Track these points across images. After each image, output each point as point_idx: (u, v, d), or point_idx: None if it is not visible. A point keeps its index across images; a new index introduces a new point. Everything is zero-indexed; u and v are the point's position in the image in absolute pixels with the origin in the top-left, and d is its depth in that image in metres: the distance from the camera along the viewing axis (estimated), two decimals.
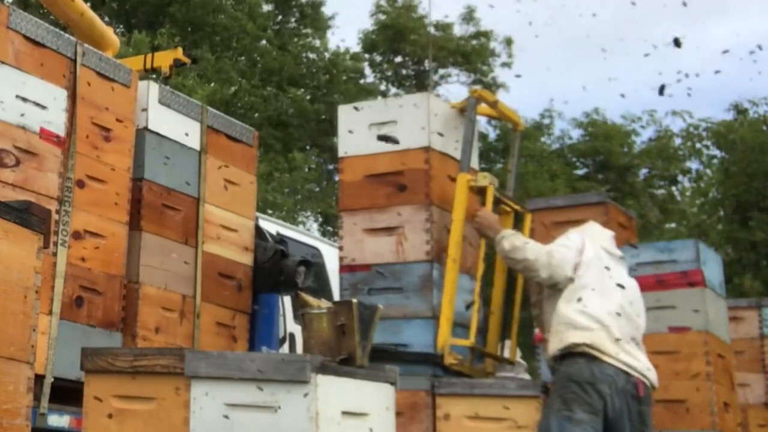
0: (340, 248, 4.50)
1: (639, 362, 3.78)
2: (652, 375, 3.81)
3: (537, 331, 4.17)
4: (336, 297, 6.26)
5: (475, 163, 4.52)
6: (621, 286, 3.94)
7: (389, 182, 4.45)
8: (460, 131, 4.54)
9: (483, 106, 4.68)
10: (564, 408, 3.63)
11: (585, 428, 3.59)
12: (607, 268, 3.97)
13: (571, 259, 3.94)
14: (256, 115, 18.14)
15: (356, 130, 4.57)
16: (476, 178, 4.38)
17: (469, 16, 24.79)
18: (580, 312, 3.79)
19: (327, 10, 21.91)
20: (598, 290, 3.86)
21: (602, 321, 3.77)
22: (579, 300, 3.82)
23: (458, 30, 24.84)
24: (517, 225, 4.61)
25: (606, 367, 3.69)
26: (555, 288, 3.96)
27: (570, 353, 3.74)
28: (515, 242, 4.12)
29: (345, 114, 4.66)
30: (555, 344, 3.79)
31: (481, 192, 4.38)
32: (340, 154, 4.61)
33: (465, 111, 4.53)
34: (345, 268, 4.48)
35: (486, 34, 24.81)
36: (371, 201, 4.46)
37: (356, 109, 4.64)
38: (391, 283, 4.35)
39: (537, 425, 3.77)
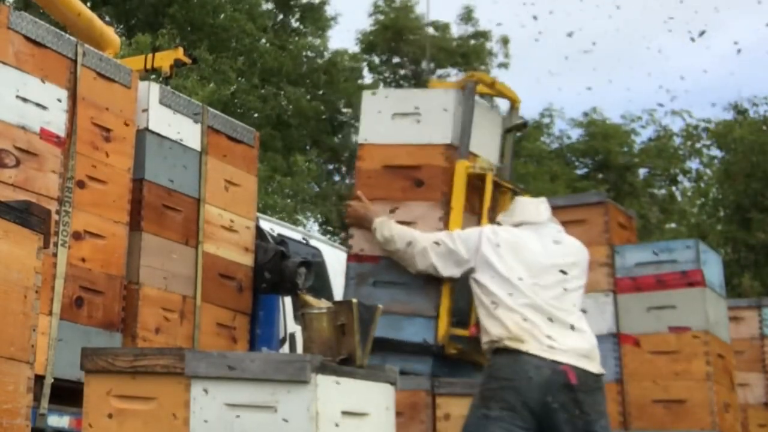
0: (351, 236, 4.44)
1: (565, 347, 3.62)
2: (585, 360, 3.64)
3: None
4: (336, 296, 6.26)
5: (474, 148, 4.44)
6: (534, 254, 3.81)
7: (406, 176, 4.38)
8: (484, 129, 4.48)
9: (481, 87, 4.63)
10: (482, 405, 3.58)
11: (501, 426, 3.50)
12: (516, 244, 3.84)
13: (449, 251, 3.93)
14: (256, 115, 18.14)
15: (378, 118, 4.48)
16: (474, 164, 4.33)
17: (467, 16, 24.80)
18: (494, 301, 3.70)
19: (328, 10, 21.91)
20: (508, 275, 3.73)
21: (518, 310, 3.66)
22: (491, 290, 3.74)
23: (456, 30, 24.86)
24: None
25: (525, 362, 3.57)
26: (463, 275, 3.92)
27: (495, 348, 3.66)
28: (385, 233, 4.11)
29: (369, 100, 4.57)
30: (483, 338, 3.75)
31: (479, 178, 4.33)
32: (360, 140, 4.54)
33: (464, 89, 4.45)
34: (353, 258, 4.43)
35: (484, 35, 24.83)
36: (387, 192, 4.39)
37: (381, 95, 4.54)
38: (396, 278, 4.29)
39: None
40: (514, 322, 3.63)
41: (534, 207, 3.95)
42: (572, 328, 3.68)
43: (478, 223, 4.31)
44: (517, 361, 3.58)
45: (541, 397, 3.52)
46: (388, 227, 4.12)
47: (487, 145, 4.55)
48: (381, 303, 4.02)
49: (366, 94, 4.64)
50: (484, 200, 4.34)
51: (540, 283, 3.74)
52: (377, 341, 3.91)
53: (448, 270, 3.99)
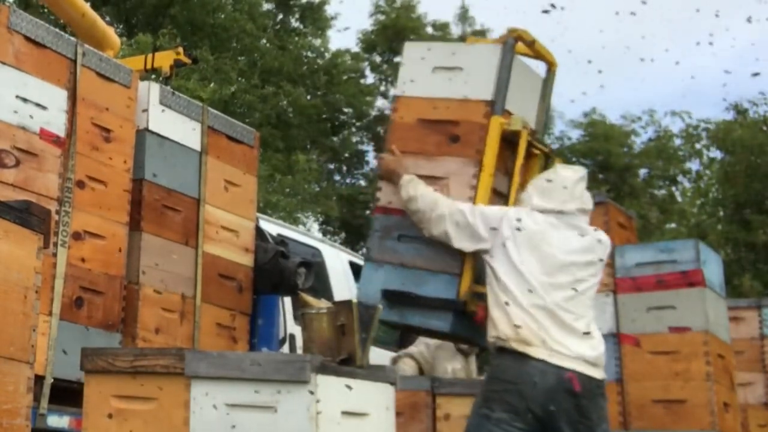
0: (379, 189, 4.24)
1: (573, 354, 3.58)
2: (591, 368, 3.60)
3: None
4: (336, 296, 6.26)
5: (510, 106, 4.26)
6: (554, 255, 3.71)
7: (442, 130, 4.21)
8: (523, 89, 4.34)
9: (520, 45, 4.43)
10: (484, 405, 3.54)
11: (503, 427, 3.47)
12: (542, 238, 3.72)
13: (467, 224, 3.80)
14: (256, 114, 18.15)
15: (418, 71, 4.31)
16: (509, 121, 4.18)
17: (463, 16, 24.82)
18: (507, 296, 3.63)
19: (329, 10, 21.92)
20: (522, 270, 3.65)
21: (529, 311, 3.59)
22: (505, 283, 3.65)
23: (454, 30, 24.87)
24: (547, 168, 4.31)
25: (531, 366, 3.53)
26: (478, 252, 3.81)
27: (501, 347, 3.60)
28: (410, 191, 3.97)
29: (409, 52, 4.38)
30: (490, 331, 3.66)
31: (514, 136, 4.18)
32: (397, 92, 4.36)
33: (504, 44, 4.27)
34: (380, 210, 4.26)
35: (483, 33, 24.82)
36: (420, 146, 4.22)
37: (423, 47, 4.35)
38: (422, 232, 4.11)
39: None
40: (525, 324, 3.57)
41: (569, 191, 3.82)
42: (582, 334, 3.64)
43: (510, 182, 4.19)
44: (523, 364, 3.53)
45: (544, 403, 3.50)
46: (414, 186, 3.98)
47: (524, 106, 4.37)
48: (404, 257, 4.06)
49: (407, 45, 4.44)
50: (516, 160, 4.19)
51: (554, 283, 3.67)
52: (396, 295, 3.95)
53: (459, 241, 3.87)
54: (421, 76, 4.29)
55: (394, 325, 4.21)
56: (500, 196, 4.19)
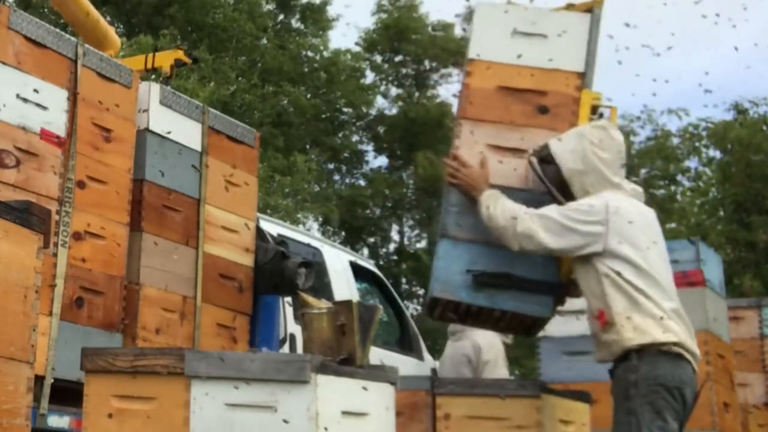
0: (454, 158, 3.88)
1: (697, 354, 3.46)
2: None
3: (596, 308, 3.58)
4: (336, 296, 6.26)
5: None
6: (656, 243, 3.53)
7: (528, 100, 3.92)
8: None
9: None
10: (657, 418, 3.31)
11: None
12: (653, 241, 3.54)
13: (559, 229, 3.52)
14: (256, 114, 18.15)
15: (495, 34, 4.00)
16: (597, 96, 4.01)
17: (468, 16, 24.80)
18: (647, 298, 3.42)
19: (331, 9, 21.93)
20: (646, 266, 3.46)
21: (666, 308, 3.42)
22: (638, 285, 3.43)
23: (459, 30, 24.87)
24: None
25: (687, 368, 3.40)
26: (578, 257, 3.54)
27: (654, 350, 3.38)
28: (490, 208, 3.64)
29: (484, 13, 4.07)
30: (632, 335, 3.39)
31: (595, 112, 3.98)
32: (471, 54, 4.02)
33: (592, 14, 4.03)
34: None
35: None
36: (504, 115, 3.91)
37: (499, 9, 4.04)
38: None
39: None
40: (672, 327, 3.40)
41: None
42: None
43: None
44: (681, 367, 3.38)
45: (692, 408, 3.41)
46: (494, 202, 3.64)
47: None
48: (490, 234, 3.68)
49: (480, 6, 4.11)
50: None
51: (671, 279, 3.55)
52: (489, 276, 3.71)
53: (563, 251, 3.57)
54: (499, 39, 3.99)
55: (477, 310, 3.86)
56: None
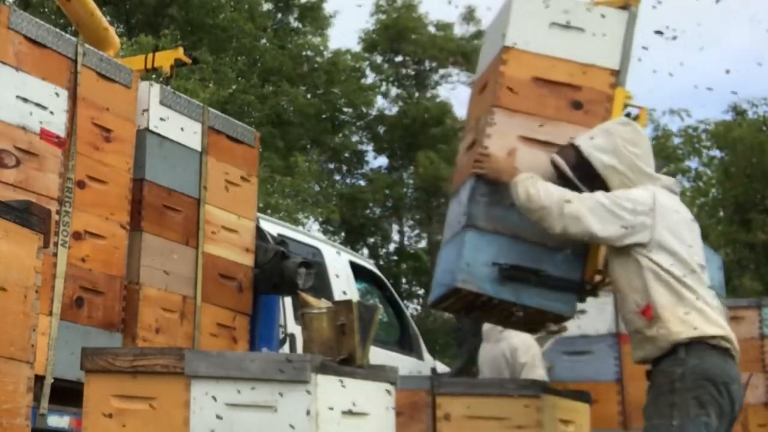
0: (484, 147, 3.80)
1: (738, 350, 3.40)
2: None
3: (638, 303, 3.49)
4: (336, 296, 6.26)
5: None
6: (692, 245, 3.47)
7: (562, 94, 3.87)
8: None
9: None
10: (702, 413, 3.25)
11: None
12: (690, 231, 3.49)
13: (607, 215, 3.44)
14: (257, 114, 18.15)
15: (532, 24, 3.93)
16: (630, 95, 3.98)
17: (469, 16, 24.82)
18: (691, 291, 3.37)
19: (327, 8, 21.93)
20: (690, 261, 3.41)
21: (711, 303, 3.37)
22: (678, 275, 3.38)
23: (458, 30, 24.87)
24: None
25: (734, 364, 3.34)
26: (615, 247, 3.47)
27: (703, 344, 3.31)
28: (530, 188, 3.55)
29: (522, 2, 3.98)
30: (681, 329, 3.32)
31: (625, 112, 3.95)
32: (507, 42, 3.92)
33: (629, 12, 3.98)
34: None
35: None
36: (538, 108, 3.85)
37: (542, 2, 3.94)
38: None
39: (659, 426, 3.37)
40: (724, 320, 3.36)
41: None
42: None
43: None
44: (728, 362, 3.33)
45: (740, 402, 3.35)
46: (533, 182, 3.56)
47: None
48: (519, 228, 3.65)
49: None
50: None
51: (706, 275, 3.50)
52: (516, 270, 3.63)
53: (607, 239, 3.48)
54: (536, 30, 3.93)
55: (498, 304, 3.77)
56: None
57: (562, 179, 3.66)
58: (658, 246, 3.43)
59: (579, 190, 3.60)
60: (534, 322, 3.95)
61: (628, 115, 3.94)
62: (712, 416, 3.25)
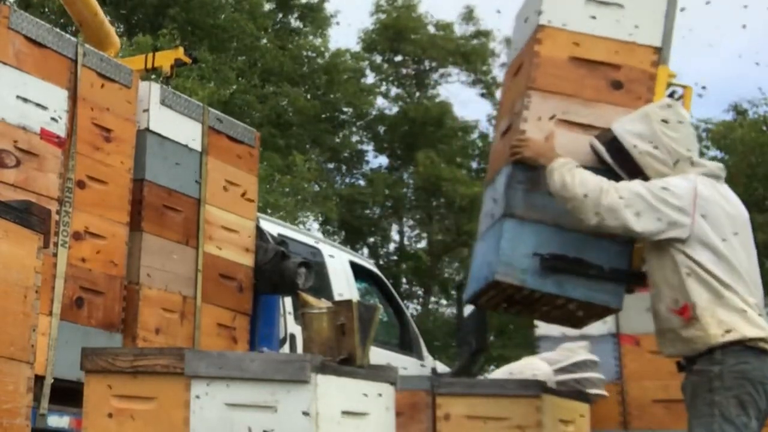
0: (522, 132, 3.60)
1: None
2: None
3: (676, 301, 3.31)
4: (336, 296, 6.26)
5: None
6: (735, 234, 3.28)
7: (601, 74, 3.67)
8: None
9: None
10: (743, 413, 3.14)
11: None
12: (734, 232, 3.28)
13: (644, 208, 3.26)
14: (257, 114, 18.16)
15: (568, 1, 3.74)
16: (674, 76, 3.81)
17: (468, 16, 24.82)
18: (730, 291, 3.22)
19: (328, 8, 21.94)
20: (731, 257, 3.25)
21: (751, 302, 3.24)
22: (717, 274, 3.22)
23: (458, 30, 24.87)
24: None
25: None
26: (653, 241, 3.29)
27: (741, 345, 3.18)
28: (565, 176, 3.36)
29: None
30: (718, 331, 3.19)
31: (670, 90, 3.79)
32: (542, 20, 3.72)
33: None
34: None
35: (486, 34, 24.83)
36: (575, 89, 3.65)
37: None
38: None
39: (700, 426, 3.21)
40: (765, 319, 3.22)
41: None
42: None
43: None
44: (765, 362, 3.20)
45: None
46: (569, 169, 3.37)
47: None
48: (561, 216, 3.44)
49: None
50: None
51: (755, 270, 3.33)
52: (559, 260, 3.42)
53: (646, 233, 3.29)
54: (572, 7, 3.73)
55: (540, 298, 3.58)
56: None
57: (602, 165, 3.50)
58: (698, 242, 3.25)
59: (619, 178, 3.43)
60: (579, 316, 3.74)
61: (672, 94, 3.77)
62: (752, 418, 3.14)
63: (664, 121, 3.41)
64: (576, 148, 3.55)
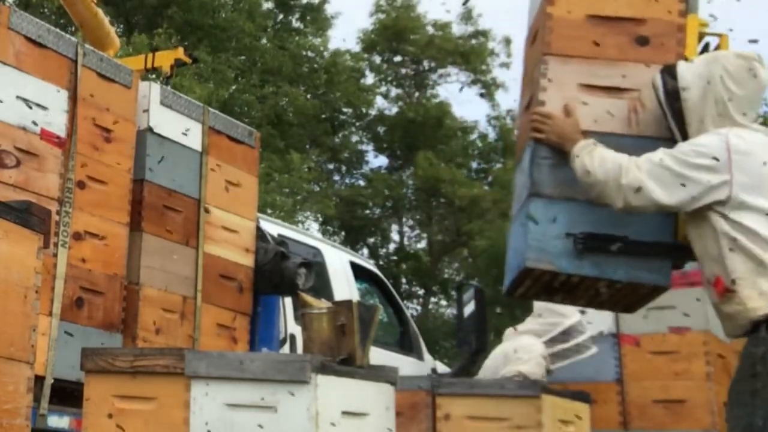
0: (541, 103, 3.30)
1: None
2: None
3: (714, 273, 2.99)
4: (336, 296, 6.26)
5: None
6: None
7: (624, 30, 3.33)
8: None
9: None
10: None
11: None
12: None
13: (671, 177, 2.93)
14: (257, 114, 18.15)
15: None
16: (704, 22, 3.54)
17: (467, 16, 24.83)
18: None
19: (328, 9, 21.94)
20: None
21: None
22: (764, 234, 2.86)
23: (457, 29, 24.88)
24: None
25: None
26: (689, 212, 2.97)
27: None
28: (585, 160, 3.06)
29: None
30: (759, 304, 2.84)
31: (702, 42, 3.52)
32: None
33: None
34: None
35: (485, 34, 24.84)
36: (596, 50, 3.32)
37: None
38: None
39: (740, 417, 2.82)
40: None
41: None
42: None
43: None
44: None
45: None
46: (588, 153, 3.07)
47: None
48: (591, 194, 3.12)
49: None
50: None
51: None
52: (593, 239, 3.13)
53: (674, 196, 2.94)
54: None
55: (578, 281, 3.29)
56: None
57: (660, 108, 3.18)
58: (739, 204, 2.89)
59: (669, 125, 3.13)
60: (627, 299, 3.42)
61: (706, 47, 3.45)
62: None
63: (731, 70, 3.06)
64: (601, 114, 3.27)
